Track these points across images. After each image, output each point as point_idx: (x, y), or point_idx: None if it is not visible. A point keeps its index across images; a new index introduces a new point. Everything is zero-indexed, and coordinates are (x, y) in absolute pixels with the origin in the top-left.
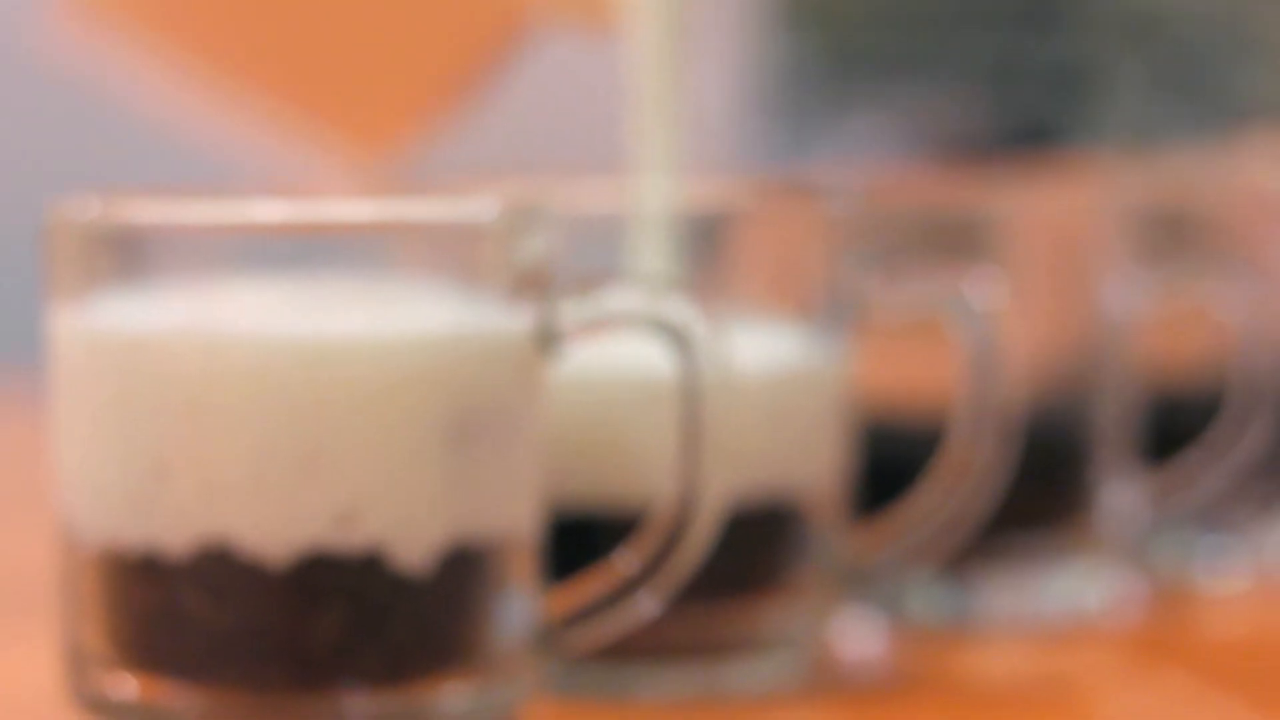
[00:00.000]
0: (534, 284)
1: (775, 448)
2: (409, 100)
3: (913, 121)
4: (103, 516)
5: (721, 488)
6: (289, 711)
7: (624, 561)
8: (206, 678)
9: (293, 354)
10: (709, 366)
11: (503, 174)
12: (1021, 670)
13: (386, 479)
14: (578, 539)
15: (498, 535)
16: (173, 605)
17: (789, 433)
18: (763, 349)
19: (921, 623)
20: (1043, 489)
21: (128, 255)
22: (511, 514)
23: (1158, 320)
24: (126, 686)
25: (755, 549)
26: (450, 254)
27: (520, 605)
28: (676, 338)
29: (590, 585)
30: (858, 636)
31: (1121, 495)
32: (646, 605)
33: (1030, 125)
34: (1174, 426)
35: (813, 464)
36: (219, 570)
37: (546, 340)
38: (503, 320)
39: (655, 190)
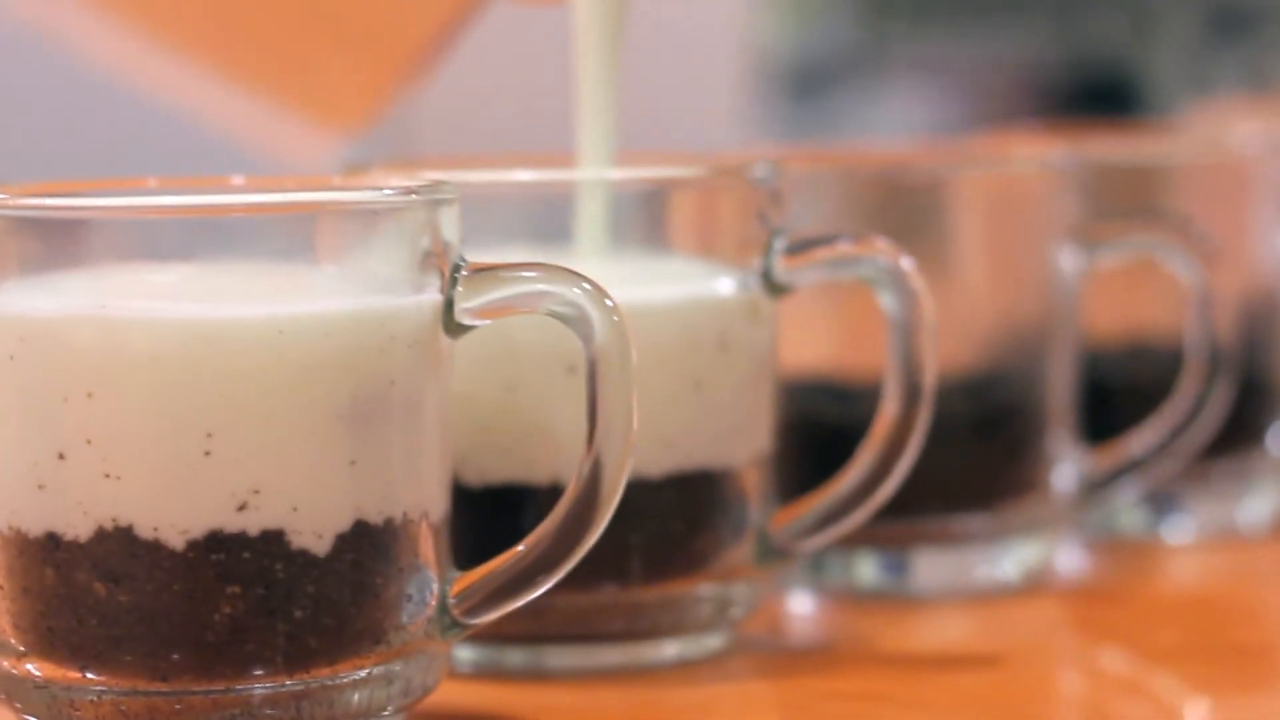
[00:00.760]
0: (436, 265)
1: (697, 421)
2: (373, 72)
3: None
4: (5, 499)
5: (623, 465)
6: (192, 693)
7: (534, 538)
8: (109, 660)
9: (189, 338)
10: (608, 346)
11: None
12: (958, 637)
13: (285, 461)
14: (498, 514)
15: (400, 515)
16: (74, 587)
17: (712, 405)
18: (686, 319)
19: (860, 595)
20: (992, 458)
21: (29, 244)
22: (414, 494)
23: (1112, 282)
24: (29, 668)
25: (680, 523)
26: (350, 236)
27: (425, 584)
28: (575, 319)
29: (496, 563)
30: (789, 608)
31: (1073, 462)
32: (550, 582)
33: (1095, 60)
34: (1127, 390)
35: (737, 436)
36: (120, 553)
37: (449, 321)
38: (403, 302)
39: (593, 162)
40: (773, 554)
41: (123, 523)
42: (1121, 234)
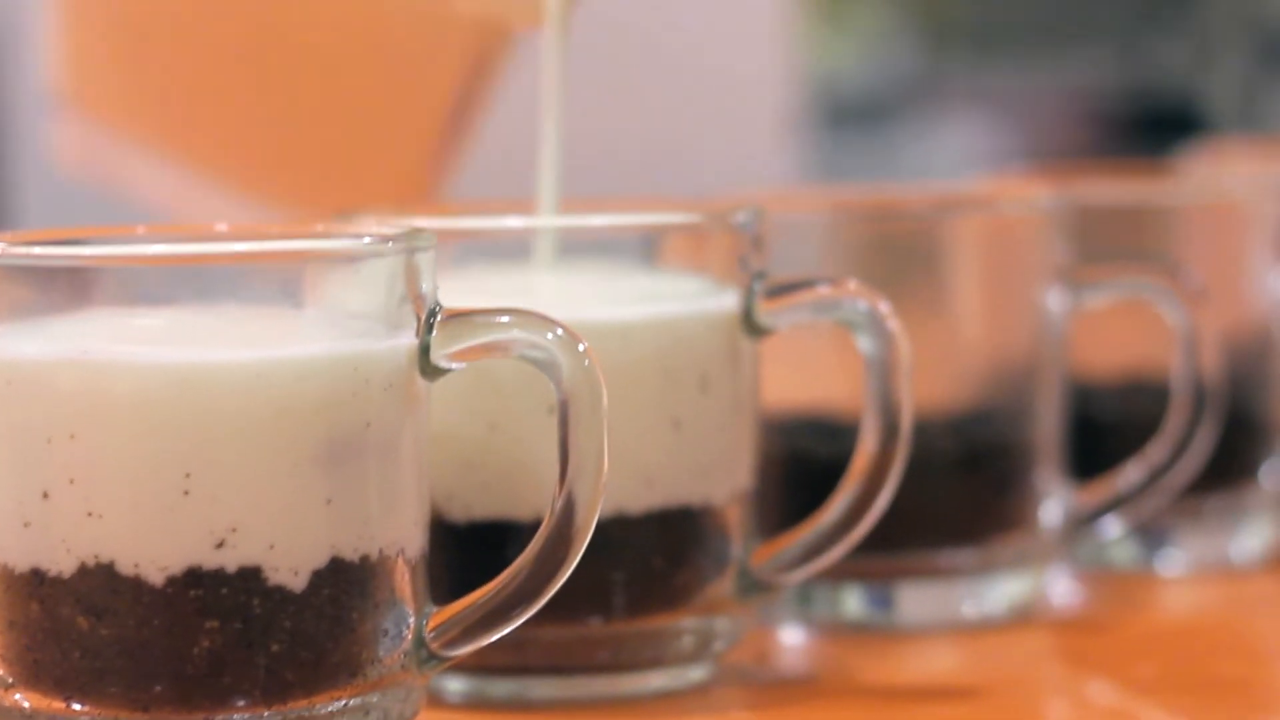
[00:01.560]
0: (413, 310)
1: (677, 459)
2: (405, 160)
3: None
4: None
5: (594, 502)
6: None
7: (508, 574)
8: (91, 692)
9: (169, 381)
10: (577, 390)
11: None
12: (944, 670)
13: (262, 501)
14: (484, 549)
15: (376, 552)
16: (59, 621)
17: (691, 444)
18: (666, 360)
19: (847, 628)
20: (980, 494)
21: (18, 291)
22: (390, 531)
23: (1110, 319)
24: (17, 698)
25: (661, 558)
26: (329, 283)
27: (401, 618)
28: (546, 364)
29: (474, 598)
30: (775, 641)
31: (1059, 498)
32: (525, 616)
33: (1156, 90)
34: (1124, 425)
35: (717, 474)
36: (102, 588)
37: (425, 364)
38: (378, 346)
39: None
40: (754, 588)
41: (105, 559)
42: (1109, 276)
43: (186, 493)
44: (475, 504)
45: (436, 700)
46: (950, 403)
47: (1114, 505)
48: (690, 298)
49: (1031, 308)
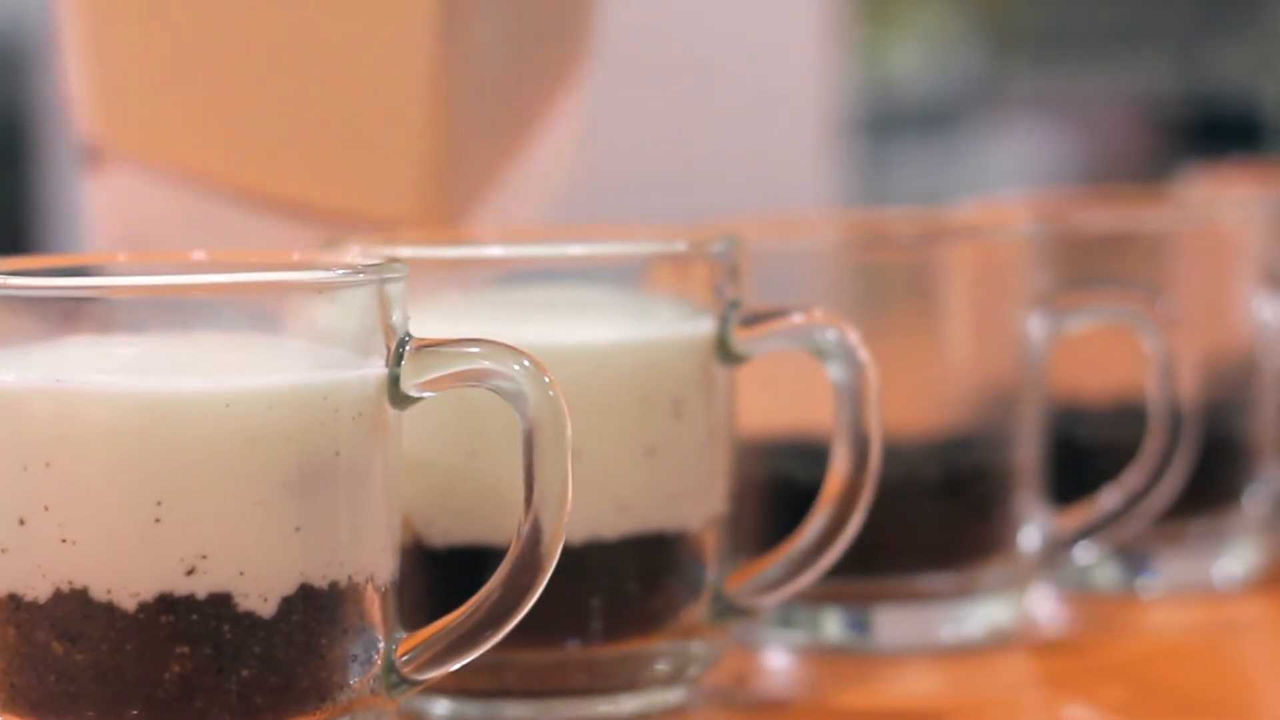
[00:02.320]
0: (383, 340)
1: (651, 486)
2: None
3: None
4: None
5: (559, 529)
6: None
7: (476, 599)
8: (67, 714)
9: (141, 410)
10: (541, 420)
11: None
12: (923, 693)
13: (232, 528)
14: (461, 574)
15: (346, 579)
16: (35, 646)
17: (665, 471)
18: (640, 387)
19: (826, 651)
20: (959, 518)
21: None
22: (360, 558)
23: (1095, 342)
24: None
25: (635, 583)
26: (301, 313)
27: (370, 644)
28: (512, 394)
29: (443, 623)
30: (754, 664)
31: (1038, 523)
32: (494, 640)
33: (1219, 96)
34: (1097, 453)
35: (691, 500)
36: (76, 613)
37: (395, 393)
38: (347, 376)
39: None
40: (729, 612)
41: (78, 585)
42: (1088, 302)
43: (158, 520)
44: (454, 529)
45: None
46: (932, 428)
47: (1092, 530)
48: (666, 324)
49: (1013, 334)
